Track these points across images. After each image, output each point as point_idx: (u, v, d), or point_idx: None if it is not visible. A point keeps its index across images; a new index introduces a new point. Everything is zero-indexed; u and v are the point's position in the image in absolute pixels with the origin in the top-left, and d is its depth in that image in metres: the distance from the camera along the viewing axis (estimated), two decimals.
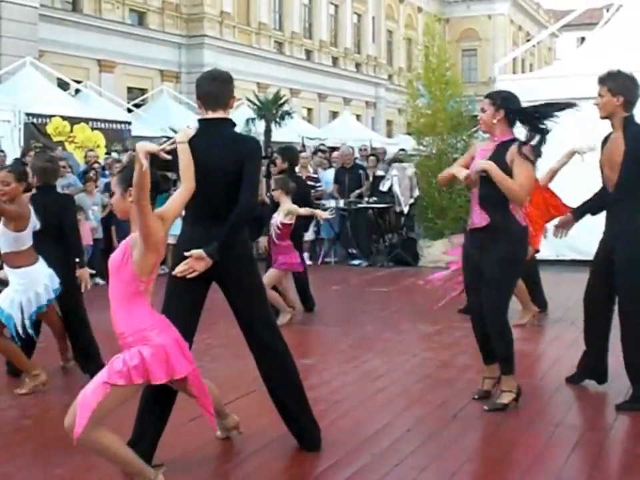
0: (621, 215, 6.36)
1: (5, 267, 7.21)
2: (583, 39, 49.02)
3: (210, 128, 5.25)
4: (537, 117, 6.14)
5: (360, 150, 20.39)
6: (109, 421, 4.57)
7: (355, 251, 16.64)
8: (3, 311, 7.02)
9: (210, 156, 5.09)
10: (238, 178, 5.18)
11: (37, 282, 7.14)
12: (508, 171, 6.08)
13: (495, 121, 6.22)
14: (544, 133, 6.10)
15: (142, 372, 4.45)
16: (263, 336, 5.36)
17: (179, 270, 5.09)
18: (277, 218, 9.94)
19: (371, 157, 18.22)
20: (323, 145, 24.09)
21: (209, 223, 5.14)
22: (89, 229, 12.85)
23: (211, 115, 5.28)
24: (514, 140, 6.21)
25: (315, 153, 20.55)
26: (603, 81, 6.33)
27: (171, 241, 14.09)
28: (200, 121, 5.36)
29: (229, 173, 5.15)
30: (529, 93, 11.72)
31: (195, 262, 5.07)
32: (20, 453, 5.65)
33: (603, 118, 6.39)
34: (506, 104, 6.22)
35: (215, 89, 5.27)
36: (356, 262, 16.33)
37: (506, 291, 6.36)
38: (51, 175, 7.65)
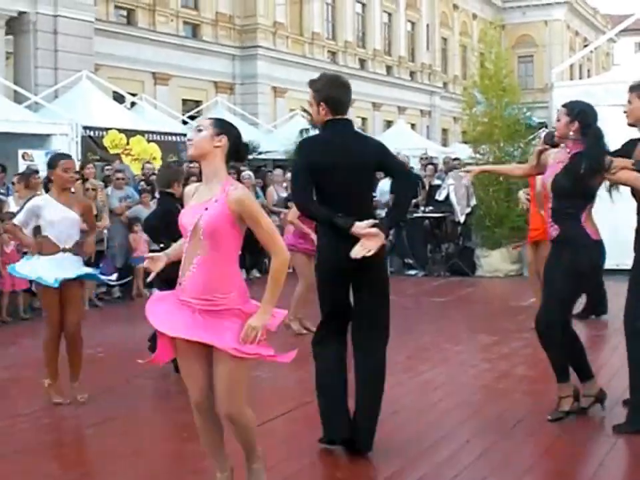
0: None
1: (71, 255, 7.24)
2: None
3: (337, 128, 5.60)
4: (599, 138, 6.11)
5: (421, 159, 20.35)
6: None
7: (411, 261, 16.58)
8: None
9: (339, 154, 5.45)
10: (366, 173, 5.65)
11: None
12: (580, 180, 6.02)
13: (571, 133, 6.16)
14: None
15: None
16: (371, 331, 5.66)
17: (354, 252, 5.25)
18: None
19: (429, 166, 18.10)
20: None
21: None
22: (144, 240, 12.89)
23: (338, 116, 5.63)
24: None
25: None
26: (632, 88, 6.22)
27: None
28: (328, 122, 5.61)
29: (357, 169, 5.49)
30: (587, 99, 11.57)
31: (369, 241, 5.29)
32: (80, 462, 5.71)
33: (630, 125, 6.24)
34: (580, 117, 6.16)
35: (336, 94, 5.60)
36: (412, 272, 16.27)
37: (566, 303, 6.30)
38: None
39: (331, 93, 5.57)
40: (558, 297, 6.18)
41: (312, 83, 5.71)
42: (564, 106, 6.32)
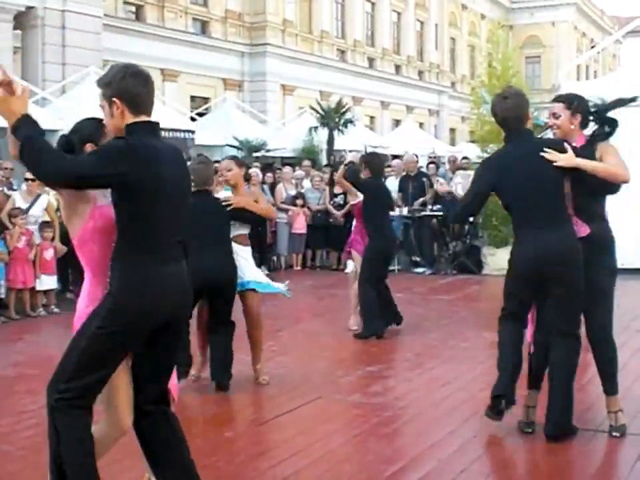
0: None
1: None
2: None
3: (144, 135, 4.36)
4: (607, 111, 5.96)
5: (429, 157, 20.42)
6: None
7: (418, 259, 16.61)
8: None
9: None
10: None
11: None
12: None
13: (572, 127, 5.87)
14: (614, 124, 5.89)
15: None
16: None
17: None
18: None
19: (431, 165, 18.15)
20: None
21: None
22: None
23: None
24: (591, 142, 5.85)
25: None
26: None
27: None
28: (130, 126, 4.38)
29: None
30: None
31: None
32: None
33: None
34: (582, 107, 5.90)
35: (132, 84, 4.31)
36: (419, 270, 16.29)
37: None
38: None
39: (126, 84, 4.23)
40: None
41: (99, 79, 4.40)
42: (559, 100, 5.97)
